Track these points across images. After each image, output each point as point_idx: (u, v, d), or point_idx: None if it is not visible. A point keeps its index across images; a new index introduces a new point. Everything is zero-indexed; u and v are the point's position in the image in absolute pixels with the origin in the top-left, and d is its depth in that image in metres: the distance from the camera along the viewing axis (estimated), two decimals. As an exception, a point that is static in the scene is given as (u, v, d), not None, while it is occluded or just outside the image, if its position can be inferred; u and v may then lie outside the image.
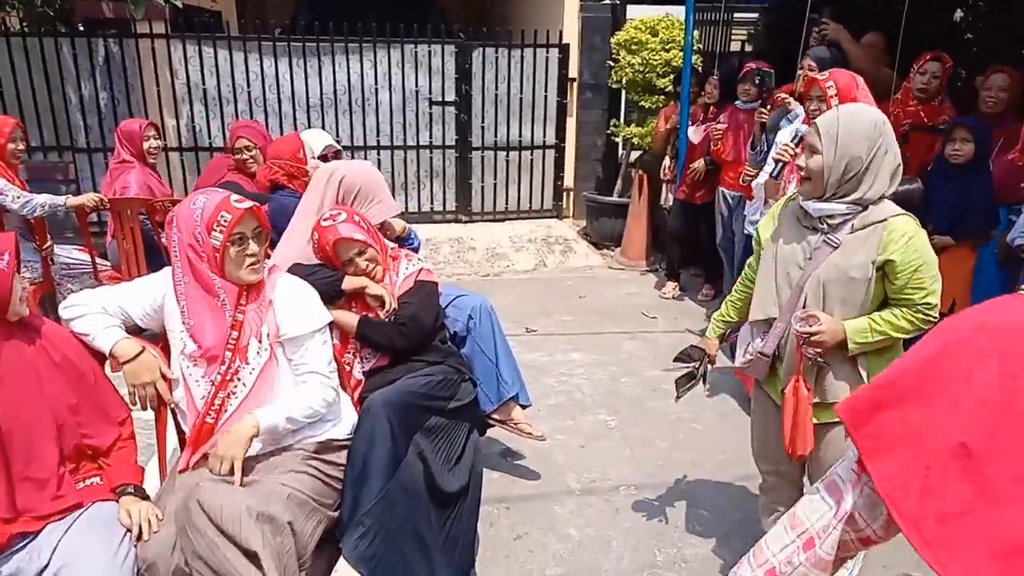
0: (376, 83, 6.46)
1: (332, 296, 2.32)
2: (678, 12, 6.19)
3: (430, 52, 6.49)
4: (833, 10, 4.60)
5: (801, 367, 2.02)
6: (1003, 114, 3.71)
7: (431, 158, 6.73)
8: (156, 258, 4.10)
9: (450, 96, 6.63)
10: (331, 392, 2.10)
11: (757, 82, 4.21)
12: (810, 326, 1.94)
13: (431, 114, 6.64)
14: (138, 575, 1.81)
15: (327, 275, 2.34)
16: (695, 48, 5.77)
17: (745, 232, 4.27)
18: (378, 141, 6.55)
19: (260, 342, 2.05)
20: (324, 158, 3.28)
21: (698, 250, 5.53)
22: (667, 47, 6.06)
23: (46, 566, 1.76)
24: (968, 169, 3.51)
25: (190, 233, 2.04)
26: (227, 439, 1.92)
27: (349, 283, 2.35)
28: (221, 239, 2.01)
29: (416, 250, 3.06)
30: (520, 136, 6.87)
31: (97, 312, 2.07)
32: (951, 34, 6.25)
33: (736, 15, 7.16)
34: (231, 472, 1.87)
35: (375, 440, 2.08)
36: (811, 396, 2.03)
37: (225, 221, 2.00)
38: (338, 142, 3.65)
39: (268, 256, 2.26)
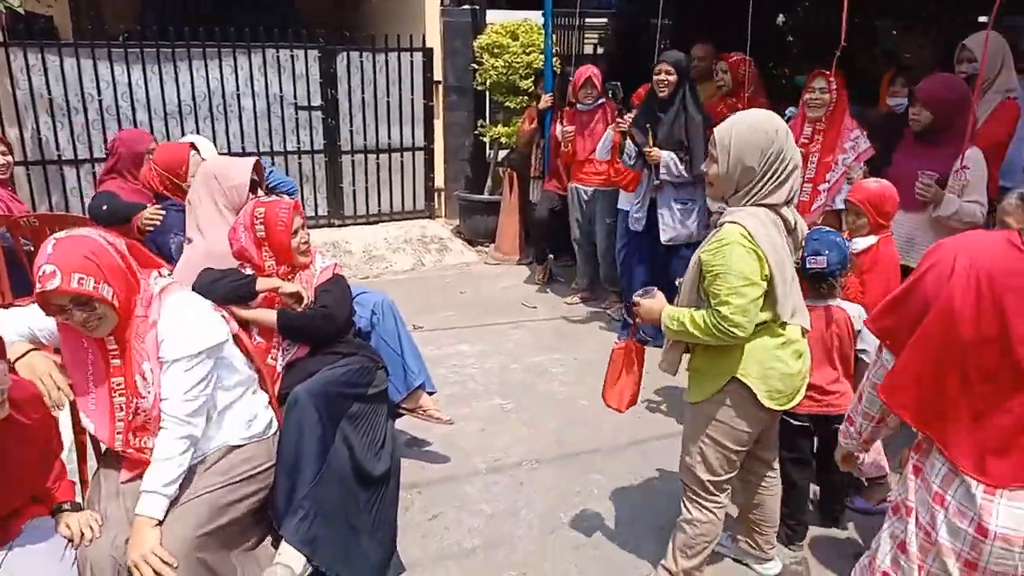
0: (238, 89, 6.33)
1: (245, 298, 2.38)
2: (535, 17, 6.55)
3: (293, 57, 6.44)
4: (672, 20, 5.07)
5: (633, 331, 2.44)
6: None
7: (299, 163, 6.68)
8: (21, 276, 3.88)
9: (316, 100, 6.62)
10: (185, 431, 2.00)
11: (610, 95, 4.53)
12: (640, 298, 2.28)
13: (297, 119, 6.59)
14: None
15: (239, 278, 2.40)
16: (554, 51, 6.12)
17: (632, 228, 4.60)
18: (243, 148, 6.42)
19: (145, 379, 1.99)
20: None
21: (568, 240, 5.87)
22: (527, 50, 6.37)
23: None
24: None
25: None
26: (135, 551, 1.87)
27: (263, 284, 2.42)
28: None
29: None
30: (389, 139, 6.97)
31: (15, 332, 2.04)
32: (776, 37, 6.99)
33: (587, 20, 7.61)
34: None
35: (303, 430, 2.18)
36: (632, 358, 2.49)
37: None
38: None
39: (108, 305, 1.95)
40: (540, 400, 3.94)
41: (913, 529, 1.61)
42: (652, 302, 2.27)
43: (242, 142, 6.41)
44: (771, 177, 2.08)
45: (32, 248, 3.70)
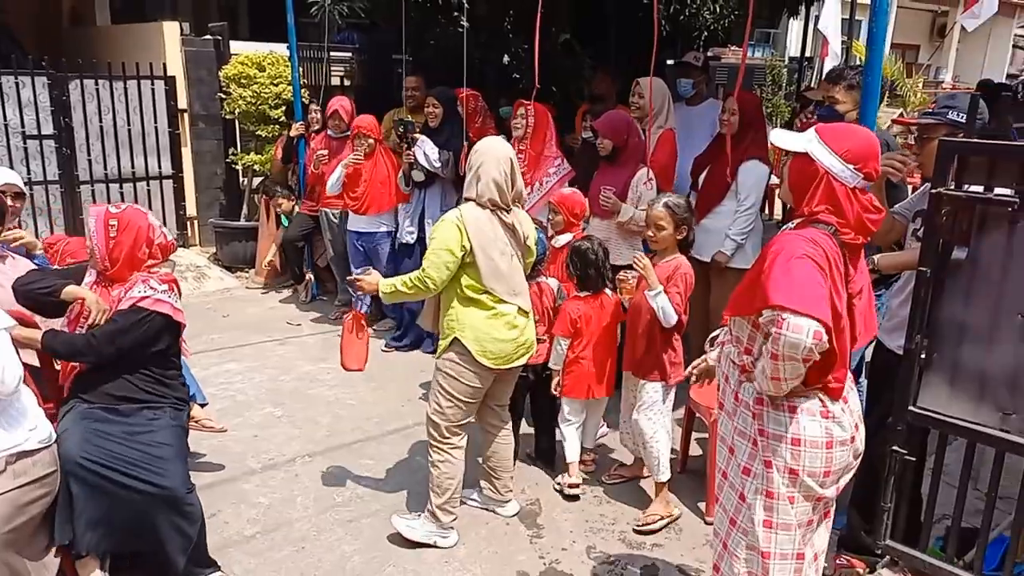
0: (-47, 117, 5.86)
1: (50, 303, 2.52)
2: (281, 49, 6.82)
3: (18, 84, 6.10)
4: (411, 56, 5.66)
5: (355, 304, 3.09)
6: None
7: (32, 195, 6.28)
8: None
9: (47, 129, 6.30)
10: (11, 377, 2.22)
11: (401, 131, 5.00)
12: (360, 276, 2.95)
13: (26, 149, 6.23)
14: None
15: (46, 285, 2.51)
16: (301, 83, 6.45)
17: (403, 240, 5.17)
18: (-38, 180, 5.92)
19: None
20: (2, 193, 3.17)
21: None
22: (276, 81, 6.63)
23: None
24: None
25: None
26: None
27: (70, 292, 2.55)
28: None
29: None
30: (133, 167, 6.80)
31: None
32: (502, 74, 7.91)
33: (334, 54, 7.99)
34: None
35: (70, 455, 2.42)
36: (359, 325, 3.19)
37: None
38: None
39: None
40: (310, 404, 4.26)
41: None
42: (370, 278, 2.93)
43: (-40, 174, 5.91)
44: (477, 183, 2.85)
45: None
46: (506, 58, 8.17)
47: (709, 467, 3.15)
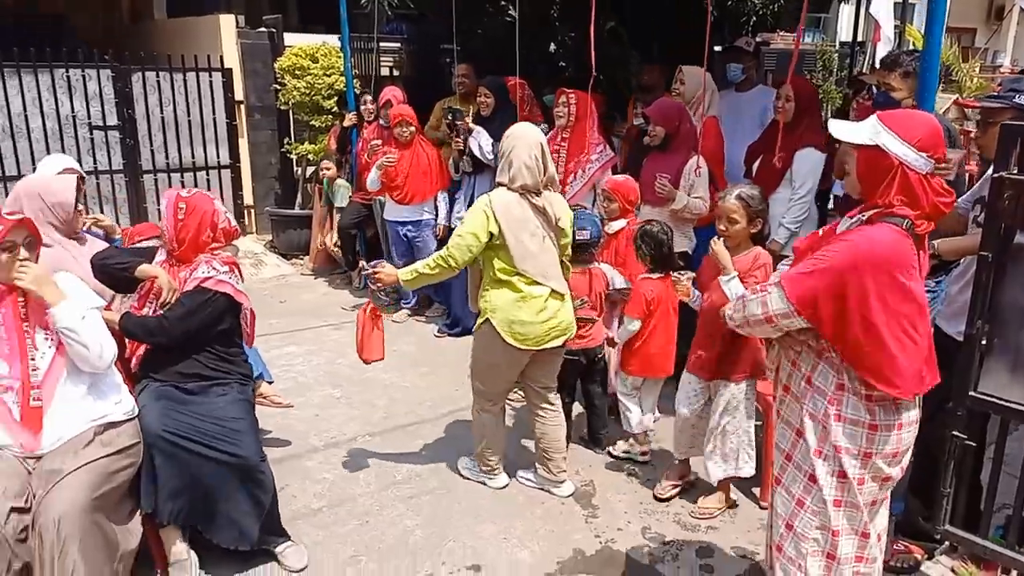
0: (25, 110, 6.13)
1: (124, 279, 2.69)
2: (333, 40, 6.97)
3: (84, 77, 6.35)
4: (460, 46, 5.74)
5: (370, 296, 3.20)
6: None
7: (98, 184, 6.56)
8: None
9: (112, 120, 6.55)
10: (109, 353, 2.48)
11: (451, 117, 5.10)
12: (375, 269, 3.09)
13: (92, 139, 6.49)
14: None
15: (121, 261, 2.68)
16: (354, 73, 6.58)
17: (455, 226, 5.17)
18: (33, 169, 6.19)
19: (48, 330, 2.36)
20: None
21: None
22: (328, 72, 6.77)
23: None
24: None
25: None
26: (37, 274, 2.36)
27: (143, 270, 2.72)
28: None
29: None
30: (193, 157, 7.04)
31: None
32: (549, 62, 7.95)
33: (383, 44, 8.12)
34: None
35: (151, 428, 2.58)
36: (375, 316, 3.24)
37: None
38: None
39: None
40: (366, 386, 4.40)
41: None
42: (386, 270, 3.07)
43: (33, 163, 6.19)
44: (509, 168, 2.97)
45: None
46: (552, 47, 8.20)
47: (765, 454, 3.18)
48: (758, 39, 8.97)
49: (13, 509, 2.20)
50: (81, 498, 2.24)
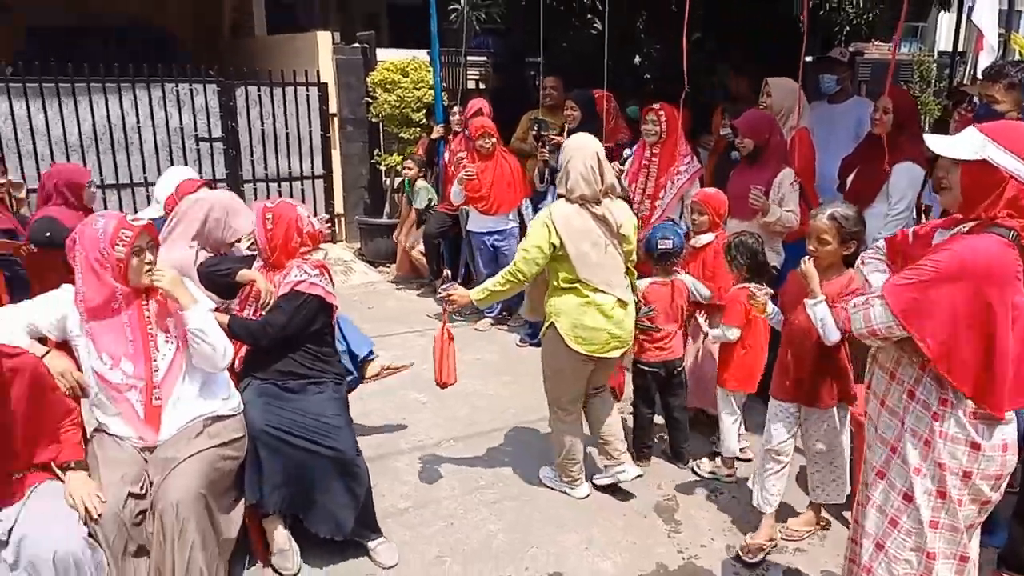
0: (138, 121, 6.56)
1: (227, 285, 2.89)
2: (422, 55, 7.19)
3: (192, 91, 6.75)
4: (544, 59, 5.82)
5: (445, 317, 3.27)
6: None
7: (201, 193, 6.93)
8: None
9: (216, 132, 6.93)
10: (229, 352, 2.66)
11: (536, 128, 5.21)
12: (447, 291, 3.20)
13: (198, 150, 6.88)
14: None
15: (224, 268, 2.89)
16: (442, 87, 6.75)
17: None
18: (145, 178, 6.63)
19: (168, 333, 2.54)
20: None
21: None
22: (417, 86, 6.98)
23: (8, 539, 2.12)
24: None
25: (95, 249, 2.45)
26: (173, 276, 2.53)
27: (243, 275, 2.92)
28: (125, 251, 2.44)
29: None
30: (289, 168, 7.36)
31: (2, 329, 2.41)
32: (634, 74, 7.95)
33: (469, 58, 8.29)
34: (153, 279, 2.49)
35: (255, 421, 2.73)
36: (452, 340, 3.27)
37: (126, 237, 2.44)
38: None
39: None
40: (450, 393, 4.40)
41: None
42: (457, 292, 3.18)
43: (144, 173, 6.62)
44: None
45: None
46: (637, 59, 8.20)
47: (855, 472, 3.09)
48: (852, 49, 8.72)
49: (131, 494, 2.37)
50: (194, 485, 2.41)
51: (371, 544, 2.92)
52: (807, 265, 2.68)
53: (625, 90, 6.81)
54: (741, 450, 3.57)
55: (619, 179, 4.23)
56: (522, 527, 3.18)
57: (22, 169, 6.03)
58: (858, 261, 2.37)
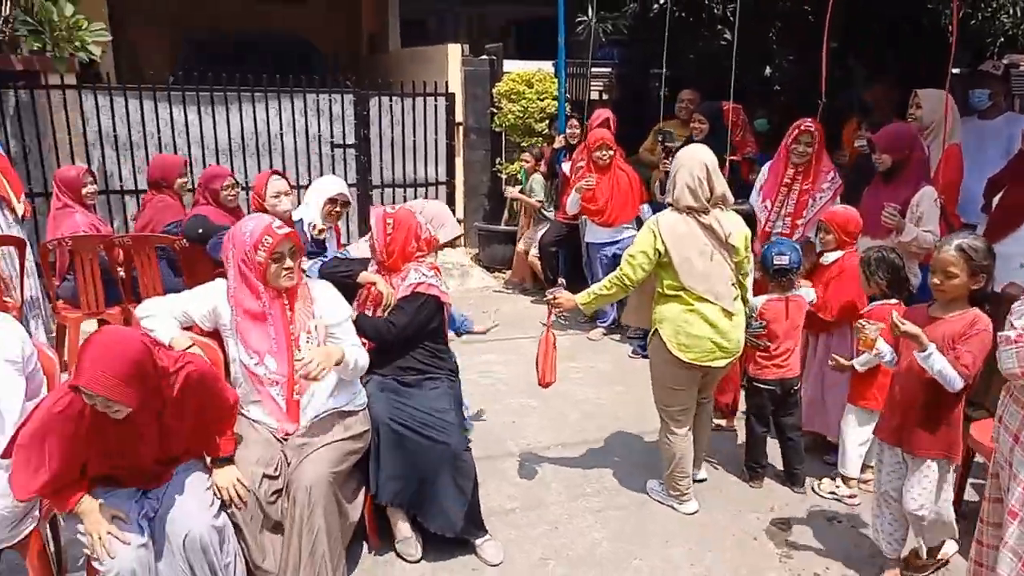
0: (281, 128, 7.02)
1: (348, 286, 3.07)
2: (547, 66, 7.30)
3: (331, 100, 7.16)
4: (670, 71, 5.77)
5: (550, 320, 3.37)
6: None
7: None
8: (112, 290, 4.48)
9: (350, 140, 7.31)
10: (366, 356, 2.83)
11: (660, 139, 5.21)
12: (555, 295, 3.29)
13: (333, 156, 7.28)
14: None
15: (345, 269, 3.09)
16: (566, 97, 6.84)
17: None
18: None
19: (310, 333, 2.70)
20: (333, 201, 3.87)
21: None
22: (541, 96, 7.10)
23: (155, 516, 2.34)
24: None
25: (242, 251, 2.67)
26: (322, 353, 2.59)
27: (364, 277, 3.10)
28: (264, 256, 2.64)
29: None
30: (415, 174, 7.66)
31: (162, 315, 2.66)
32: (764, 86, 7.73)
33: (593, 69, 8.34)
34: (312, 375, 2.55)
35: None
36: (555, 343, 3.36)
37: (267, 244, 2.64)
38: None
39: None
40: (562, 399, 4.53)
41: None
42: (564, 296, 3.27)
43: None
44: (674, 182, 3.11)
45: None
46: (768, 70, 7.96)
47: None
48: (1006, 61, 8.10)
49: (265, 475, 2.55)
50: (325, 471, 2.57)
51: (477, 542, 3.00)
52: (906, 325, 2.50)
53: (753, 102, 6.64)
54: (864, 482, 3.40)
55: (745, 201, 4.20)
56: (627, 537, 3.17)
57: (179, 170, 6.60)
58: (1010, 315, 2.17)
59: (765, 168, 4.50)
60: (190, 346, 2.62)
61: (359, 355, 2.80)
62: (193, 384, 2.29)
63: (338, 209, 3.89)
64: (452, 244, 3.90)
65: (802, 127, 4.14)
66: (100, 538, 2.18)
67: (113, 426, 2.18)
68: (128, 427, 2.21)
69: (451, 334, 3.59)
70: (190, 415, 2.34)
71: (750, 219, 4.05)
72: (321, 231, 3.83)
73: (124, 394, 2.04)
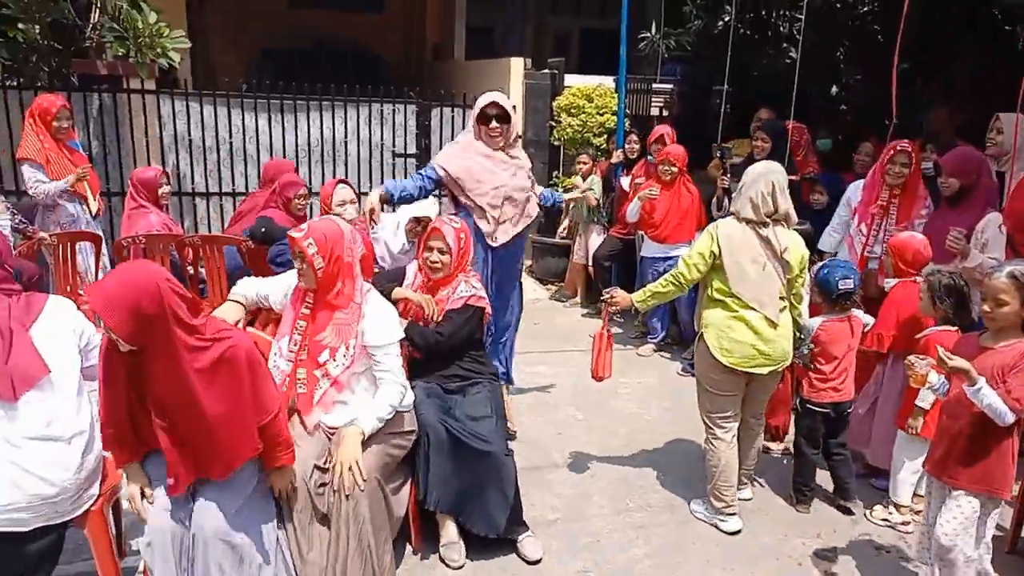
0: (346, 136, 7.22)
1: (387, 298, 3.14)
2: (608, 81, 7.32)
3: (394, 110, 7.33)
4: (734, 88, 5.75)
5: (606, 318, 3.53)
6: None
7: (394, 206, 7.48)
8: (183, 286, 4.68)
9: (411, 149, 7.47)
10: (401, 389, 2.82)
11: (720, 156, 5.21)
12: (610, 294, 3.39)
13: (394, 164, 7.45)
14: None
15: (379, 287, 3.11)
16: (626, 113, 6.85)
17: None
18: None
19: (347, 348, 2.74)
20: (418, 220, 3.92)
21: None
22: (601, 111, 7.13)
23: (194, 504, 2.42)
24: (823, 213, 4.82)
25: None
26: (344, 451, 2.62)
27: (397, 293, 3.22)
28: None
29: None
30: (473, 185, 7.75)
31: (237, 295, 2.90)
32: (830, 105, 7.61)
33: (654, 85, 8.33)
34: (348, 487, 2.58)
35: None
36: (611, 338, 3.48)
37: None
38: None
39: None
40: (609, 413, 4.54)
41: None
42: (619, 295, 3.35)
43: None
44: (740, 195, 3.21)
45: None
46: (834, 89, 7.84)
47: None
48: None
49: (316, 466, 2.64)
50: (370, 464, 2.66)
51: (519, 537, 3.07)
52: (954, 360, 2.42)
53: (818, 120, 6.53)
54: (916, 512, 3.31)
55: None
56: (668, 555, 3.15)
57: (246, 176, 6.86)
58: None
59: (854, 187, 4.43)
60: (237, 322, 2.76)
61: (384, 409, 2.75)
62: (228, 359, 2.23)
63: (419, 228, 3.98)
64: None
65: (898, 147, 4.06)
66: (133, 496, 2.36)
67: (139, 374, 2.21)
68: (153, 377, 2.19)
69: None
70: (223, 394, 2.23)
71: (808, 239, 4.01)
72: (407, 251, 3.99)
73: (118, 319, 2.05)
